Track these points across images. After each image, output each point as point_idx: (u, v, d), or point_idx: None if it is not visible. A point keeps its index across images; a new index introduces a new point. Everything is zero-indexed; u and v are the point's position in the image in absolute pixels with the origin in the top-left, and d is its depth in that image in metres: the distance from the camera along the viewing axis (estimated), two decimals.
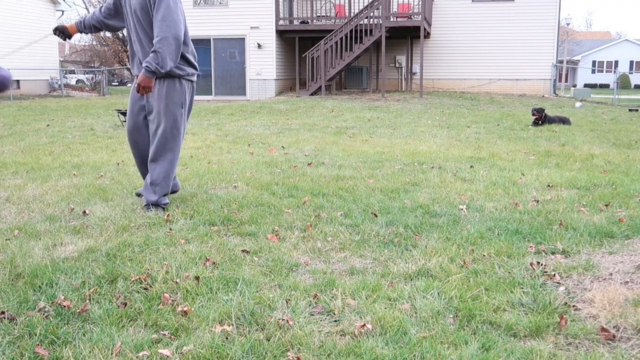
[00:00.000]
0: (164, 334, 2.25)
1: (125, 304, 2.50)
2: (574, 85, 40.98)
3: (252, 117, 12.61)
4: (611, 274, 2.87)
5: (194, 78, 4.19)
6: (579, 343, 2.22)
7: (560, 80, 33.61)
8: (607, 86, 42.25)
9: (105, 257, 3.10)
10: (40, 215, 4.02)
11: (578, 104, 16.39)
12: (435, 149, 7.40)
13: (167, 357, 2.08)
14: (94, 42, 39.84)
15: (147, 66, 3.81)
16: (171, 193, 4.39)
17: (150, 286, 2.70)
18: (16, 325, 2.31)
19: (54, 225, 3.75)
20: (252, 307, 2.47)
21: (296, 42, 19.07)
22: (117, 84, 45.69)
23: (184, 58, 4.04)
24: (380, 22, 16.75)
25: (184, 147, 7.66)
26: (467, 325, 2.35)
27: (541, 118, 10.28)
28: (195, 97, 20.05)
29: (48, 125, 10.95)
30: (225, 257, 3.13)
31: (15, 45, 22.16)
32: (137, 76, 4.00)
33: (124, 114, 10.80)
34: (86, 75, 31.96)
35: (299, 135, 9.02)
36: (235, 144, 8.09)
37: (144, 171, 4.37)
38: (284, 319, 2.35)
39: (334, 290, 2.67)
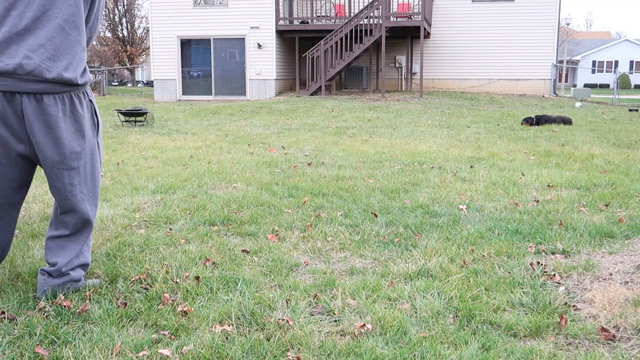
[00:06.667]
0: (164, 334, 2.25)
1: (125, 304, 2.50)
2: (574, 85, 40.97)
3: (252, 117, 12.62)
4: (611, 274, 2.87)
5: None
6: (579, 343, 2.22)
7: (560, 80, 33.60)
8: (607, 86, 42.24)
9: (105, 257, 3.10)
10: (40, 215, 4.02)
11: (578, 104, 16.39)
12: (435, 149, 7.40)
13: (167, 357, 2.08)
14: (94, 42, 39.85)
15: None
16: None
17: (150, 286, 2.70)
18: (16, 325, 2.31)
19: None
20: (252, 307, 2.47)
21: (296, 42, 19.06)
22: (117, 84, 45.69)
23: None
24: (380, 22, 16.75)
25: (184, 147, 7.66)
26: (467, 325, 2.35)
27: (533, 125, 10.42)
28: (196, 97, 20.55)
29: None
30: (225, 257, 3.13)
31: None
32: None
33: (124, 114, 10.81)
34: None
35: (299, 135, 9.02)
36: (235, 144, 8.09)
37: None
38: (284, 319, 2.35)
39: (334, 290, 2.67)
